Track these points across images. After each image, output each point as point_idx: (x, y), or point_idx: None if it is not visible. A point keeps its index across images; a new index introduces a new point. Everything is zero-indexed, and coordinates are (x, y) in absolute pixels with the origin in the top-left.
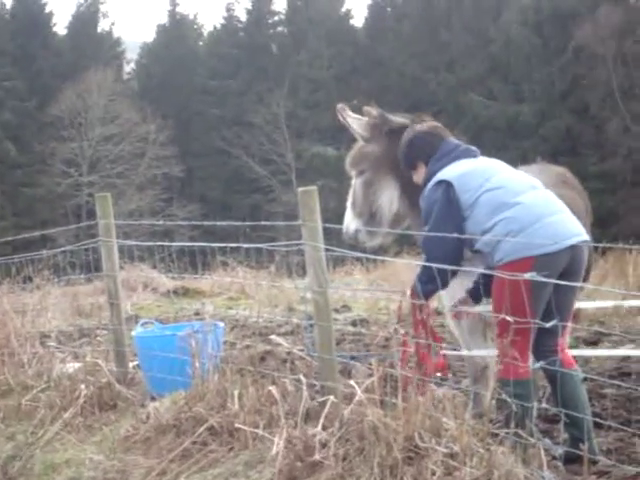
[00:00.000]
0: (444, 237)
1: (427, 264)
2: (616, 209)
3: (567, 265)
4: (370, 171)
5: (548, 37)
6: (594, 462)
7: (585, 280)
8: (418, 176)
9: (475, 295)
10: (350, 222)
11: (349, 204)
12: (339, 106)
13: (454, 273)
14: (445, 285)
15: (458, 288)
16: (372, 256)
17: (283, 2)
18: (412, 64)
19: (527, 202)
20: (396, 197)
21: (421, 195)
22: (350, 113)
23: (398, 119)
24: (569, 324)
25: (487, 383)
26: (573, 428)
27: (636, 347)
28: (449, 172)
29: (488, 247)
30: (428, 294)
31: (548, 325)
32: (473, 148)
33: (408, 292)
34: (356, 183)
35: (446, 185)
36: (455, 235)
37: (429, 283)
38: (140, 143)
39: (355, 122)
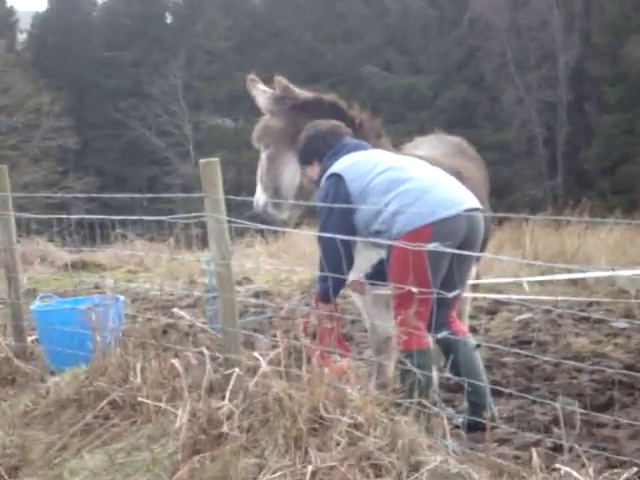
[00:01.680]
0: (336, 230)
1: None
2: (512, 180)
3: (464, 236)
4: (273, 145)
5: (444, 8)
6: (494, 428)
7: (483, 250)
8: (312, 172)
9: (376, 276)
10: (259, 196)
11: (258, 178)
12: (250, 77)
13: (351, 264)
14: (342, 283)
15: (364, 263)
16: (272, 227)
17: None
18: (309, 35)
19: (417, 176)
20: (298, 172)
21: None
22: (259, 85)
23: (304, 93)
24: (467, 294)
25: (390, 354)
26: (472, 395)
27: (534, 315)
28: (338, 165)
29: (385, 225)
30: (333, 291)
31: (451, 295)
32: (364, 143)
33: (313, 302)
34: (262, 157)
35: (336, 178)
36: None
37: (329, 280)
38: (34, 114)
39: (260, 94)
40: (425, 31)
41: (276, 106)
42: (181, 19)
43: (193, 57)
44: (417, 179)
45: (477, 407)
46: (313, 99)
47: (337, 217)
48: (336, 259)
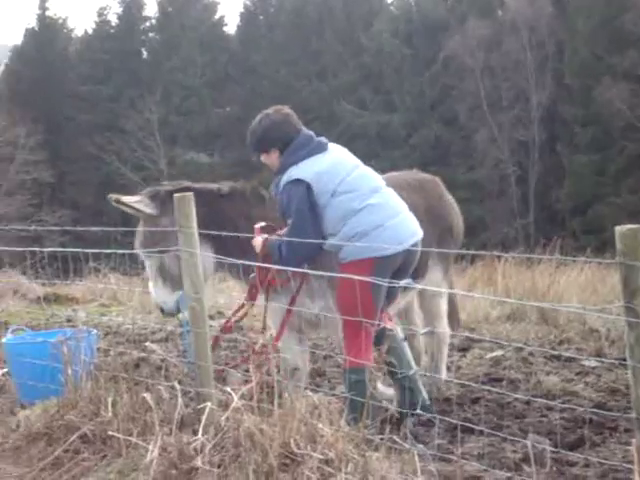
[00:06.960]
0: (308, 236)
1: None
2: (484, 218)
3: (400, 264)
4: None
5: (418, 47)
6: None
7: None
8: (269, 160)
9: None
10: (167, 297)
11: (158, 282)
12: (112, 197)
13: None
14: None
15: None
16: (248, 262)
17: (155, 8)
18: (284, 72)
19: (372, 206)
20: (211, 261)
21: (275, 184)
22: (126, 198)
23: (167, 187)
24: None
25: (296, 383)
26: (404, 380)
27: (505, 353)
28: (306, 171)
29: (334, 247)
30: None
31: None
32: (324, 141)
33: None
34: (164, 259)
35: (305, 187)
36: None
37: (286, 261)
38: (9, 147)
39: (138, 203)
40: (399, 70)
41: (161, 207)
42: (157, 55)
43: (169, 92)
44: (372, 210)
45: (408, 391)
46: (174, 187)
47: (309, 226)
48: (303, 256)
